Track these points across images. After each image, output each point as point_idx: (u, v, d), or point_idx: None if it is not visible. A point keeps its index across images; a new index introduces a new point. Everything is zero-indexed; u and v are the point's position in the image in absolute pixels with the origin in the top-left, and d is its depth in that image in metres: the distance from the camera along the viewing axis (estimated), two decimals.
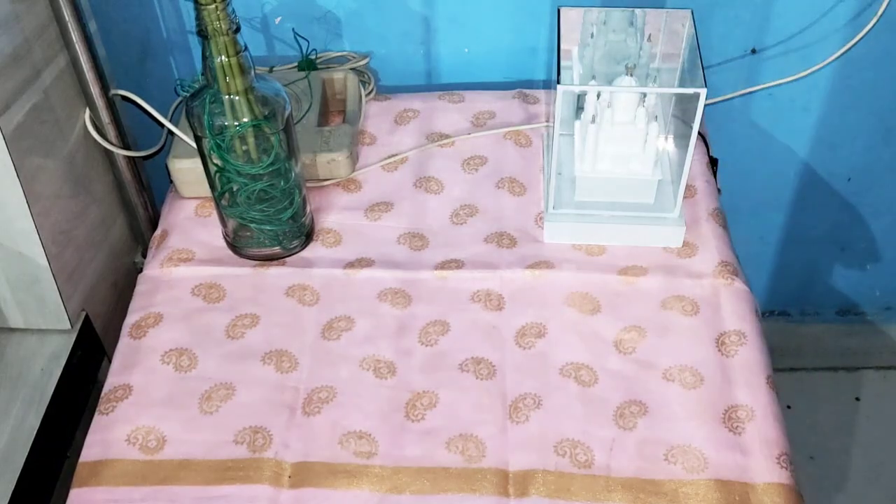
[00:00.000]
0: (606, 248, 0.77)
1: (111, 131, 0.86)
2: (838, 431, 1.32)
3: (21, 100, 0.73)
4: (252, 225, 0.75)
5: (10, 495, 0.66)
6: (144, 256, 0.87)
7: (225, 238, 0.79)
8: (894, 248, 1.23)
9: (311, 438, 0.64)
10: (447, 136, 0.89)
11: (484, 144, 0.89)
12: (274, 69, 0.94)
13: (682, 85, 0.76)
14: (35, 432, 0.71)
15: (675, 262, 0.76)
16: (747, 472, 0.61)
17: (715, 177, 0.86)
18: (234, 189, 0.73)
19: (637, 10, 0.78)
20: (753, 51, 0.97)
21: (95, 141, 0.85)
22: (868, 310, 1.34)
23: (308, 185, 0.81)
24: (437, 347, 0.70)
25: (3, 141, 0.69)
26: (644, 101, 0.73)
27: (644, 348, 0.69)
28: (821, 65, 0.94)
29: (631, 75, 0.73)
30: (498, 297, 0.74)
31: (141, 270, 0.78)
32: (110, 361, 0.71)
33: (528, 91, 0.95)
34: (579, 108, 0.80)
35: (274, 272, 0.77)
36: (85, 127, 0.84)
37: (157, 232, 0.82)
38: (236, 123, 0.68)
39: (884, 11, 0.89)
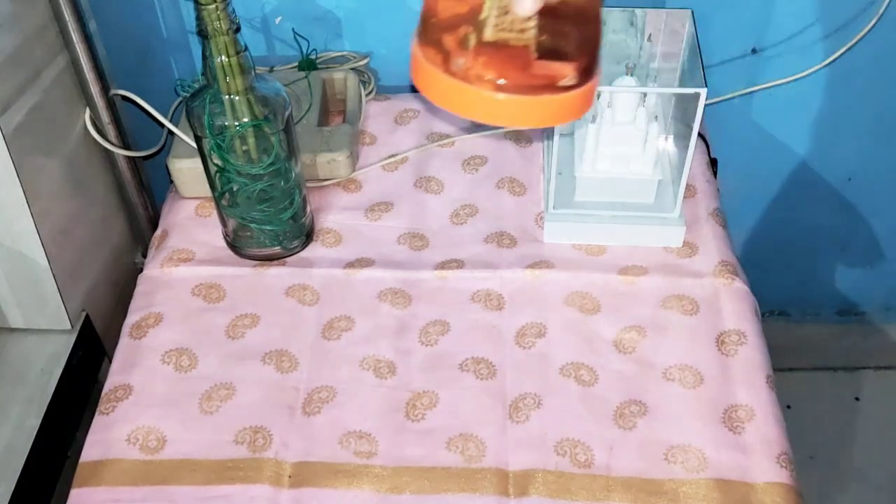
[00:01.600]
0: (606, 248, 0.77)
1: (111, 131, 0.85)
2: (838, 431, 1.32)
3: (21, 100, 0.72)
4: (252, 225, 0.75)
5: (10, 495, 0.66)
6: (144, 256, 0.87)
7: (225, 238, 0.79)
8: (894, 249, 1.23)
9: (311, 438, 0.64)
10: (447, 136, 0.89)
11: (484, 144, 0.89)
12: (274, 69, 0.94)
13: (682, 85, 0.76)
14: (35, 432, 0.71)
15: (675, 262, 0.76)
16: (747, 471, 0.61)
17: (715, 177, 0.86)
18: (235, 189, 0.73)
19: (637, 10, 0.78)
20: (753, 51, 0.97)
21: (95, 141, 0.85)
22: (868, 310, 1.34)
23: (308, 185, 0.81)
24: (438, 347, 0.70)
25: (3, 141, 0.69)
26: (644, 101, 0.73)
27: (644, 348, 0.69)
28: (821, 65, 0.94)
29: (631, 75, 0.73)
30: (498, 297, 0.74)
31: (141, 270, 0.78)
32: (110, 361, 0.71)
33: None
34: None
35: (274, 272, 0.77)
36: (85, 127, 0.84)
37: (158, 232, 0.82)
38: (236, 123, 0.68)
39: (884, 11, 0.89)
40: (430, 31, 0.48)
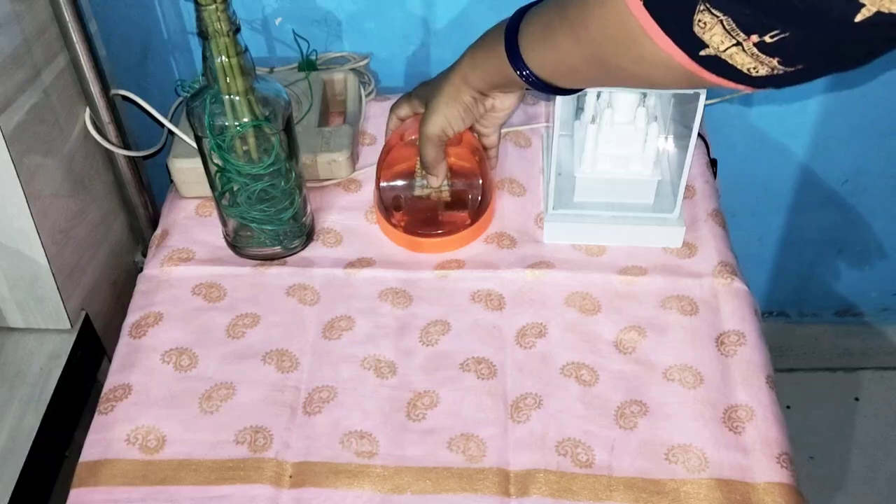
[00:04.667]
0: (606, 249, 0.77)
1: (111, 131, 0.85)
2: (837, 431, 1.32)
3: (21, 99, 0.72)
4: (253, 225, 0.75)
5: (10, 495, 0.66)
6: (144, 256, 0.87)
7: (225, 238, 0.78)
8: (891, 250, 1.23)
9: (311, 438, 0.64)
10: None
11: None
12: (274, 70, 0.94)
13: None
14: (35, 432, 0.70)
15: (675, 263, 0.76)
16: (748, 471, 0.61)
17: (714, 177, 0.86)
18: (235, 189, 0.73)
19: None
20: None
21: (95, 141, 0.85)
22: (866, 311, 1.34)
23: (308, 185, 0.81)
24: (438, 347, 0.70)
25: (2, 140, 0.69)
26: (644, 102, 0.73)
27: (644, 348, 0.70)
28: None
29: None
30: (498, 297, 0.74)
31: (141, 270, 0.78)
32: (110, 361, 0.71)
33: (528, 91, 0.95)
34: (579, 109, 0.80)
35: (274, 272, 0.77)
36: (85, 127, 0.84)
37: (158, 232, 0.82)
38: (237, 124, 0.68)
39: None
40: (381, 196, 0.78)
